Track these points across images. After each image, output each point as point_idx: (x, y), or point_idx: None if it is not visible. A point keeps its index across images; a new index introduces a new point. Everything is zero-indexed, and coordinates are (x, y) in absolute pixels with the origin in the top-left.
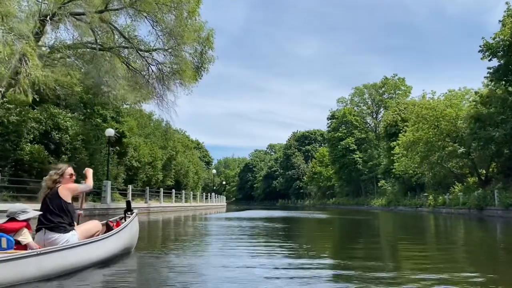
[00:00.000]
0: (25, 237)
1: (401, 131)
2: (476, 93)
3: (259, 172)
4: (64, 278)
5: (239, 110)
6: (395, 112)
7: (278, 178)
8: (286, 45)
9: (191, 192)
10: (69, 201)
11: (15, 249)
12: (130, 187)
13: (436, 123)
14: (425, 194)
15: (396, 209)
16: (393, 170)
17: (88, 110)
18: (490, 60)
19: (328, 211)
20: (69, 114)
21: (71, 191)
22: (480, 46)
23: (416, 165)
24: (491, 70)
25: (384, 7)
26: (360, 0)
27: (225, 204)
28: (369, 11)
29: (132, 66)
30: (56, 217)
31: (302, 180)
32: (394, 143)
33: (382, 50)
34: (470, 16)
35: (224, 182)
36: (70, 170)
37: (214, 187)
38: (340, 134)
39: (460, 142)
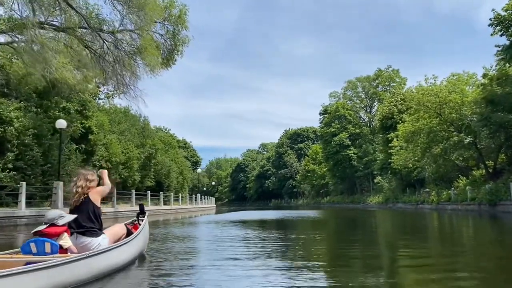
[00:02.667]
0: (66, 241)
1: (399, 123)
2: (485, 74)
3: (251, 172)
4: (108, 279)
5: (234, 111)
6: (391, 104)
7: (271, 178)
8: (281, 45)
9: (172, 193)
10: (99, 205)
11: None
12: None
13: (438, 111)
14: (427, 189)
15: (395, 206)
16: (391, 164)
17: (45, 101)
18: (502, 35)
19: (322, 210)
20: (15, 104)
21: (100, 194)
22: (490, 20)
23: (416, 158)
24: (500, 48)
25: (377, 6)
26: None
27: (214, 205)
28: (363, 10)
29: (91, 49)
30: (88, 221)
31: (295, 179)
32: (392, 134)
33: (376, 48)
34: (460, 14)
35: (213, 183)
36: (95, 175)
37: (204, 188)
38: (333, 130)
39: (466, 131)
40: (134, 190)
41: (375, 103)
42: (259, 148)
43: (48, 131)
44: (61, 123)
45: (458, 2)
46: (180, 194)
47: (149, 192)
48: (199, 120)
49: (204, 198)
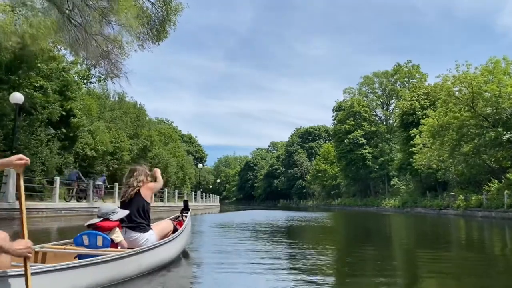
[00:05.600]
0: (117, 235)
1: (422, 118)
2: None
3: (260, 170)
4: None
5: (246, 110)
6: (413, 98)
7: (280, 177)
8: (294, 45)
9: (165, 189)
10: (149, 201)
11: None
12: (57, 179)
13: (471, 103)
14: (452, 193)
15: (413, 211)
16: (413, 164)
17: (13, 77)
18: None
19: (334, 213)
20: None
21: (152, 191)
22: None
23: (441, 158)
24: None
25: (392, 7)
26: (368, 0)
27: (219, 204)
28: (377, 11)
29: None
30: (138, 217)
31: (305, 179)
32: (415, 130)
33: (390, 50)
34: (479, 17)
35: (218, 180)
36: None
37: (210, 186)
38: (347, 127)
39: (505, 127)
40: (117, 183)
41: (392, 100)
42: (269, 146)
43: (12, 110)
44: (16, 97)
45: (478, 5)
46: (177, 190)
47: None
48: (210, 118)
49: (207, 196)
